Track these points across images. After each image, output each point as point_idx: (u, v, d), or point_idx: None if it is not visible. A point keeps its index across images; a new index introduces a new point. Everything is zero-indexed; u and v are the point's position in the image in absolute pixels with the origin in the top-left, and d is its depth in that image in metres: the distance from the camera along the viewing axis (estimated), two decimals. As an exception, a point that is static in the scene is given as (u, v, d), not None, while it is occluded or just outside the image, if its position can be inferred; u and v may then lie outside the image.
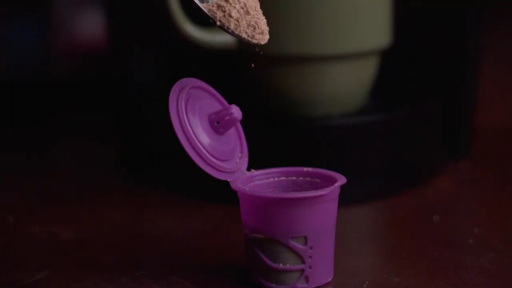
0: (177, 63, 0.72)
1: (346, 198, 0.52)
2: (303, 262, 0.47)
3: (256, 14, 0.46)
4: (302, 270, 0.47)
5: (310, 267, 0.47)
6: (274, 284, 0.47)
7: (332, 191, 0.47)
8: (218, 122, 0.48)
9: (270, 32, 0.47)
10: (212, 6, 0.46)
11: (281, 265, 0.47)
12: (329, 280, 0.48)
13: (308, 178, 0.50)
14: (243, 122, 0.49)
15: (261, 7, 0.47)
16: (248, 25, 0.46)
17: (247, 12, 0.46)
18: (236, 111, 0.48)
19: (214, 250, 0.54)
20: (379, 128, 0.63)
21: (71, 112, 0.94)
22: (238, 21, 0.45)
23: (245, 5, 0.46)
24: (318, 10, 0.60)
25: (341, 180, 0.48)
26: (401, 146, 0.64)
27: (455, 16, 0.70)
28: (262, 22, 0.46)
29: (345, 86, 0.63)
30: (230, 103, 0.50)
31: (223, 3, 0.46)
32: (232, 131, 0.50)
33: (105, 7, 0.75)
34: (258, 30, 0.46)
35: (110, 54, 0.75)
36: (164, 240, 0.56)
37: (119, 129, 0.73)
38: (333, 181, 0.48)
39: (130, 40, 0.72)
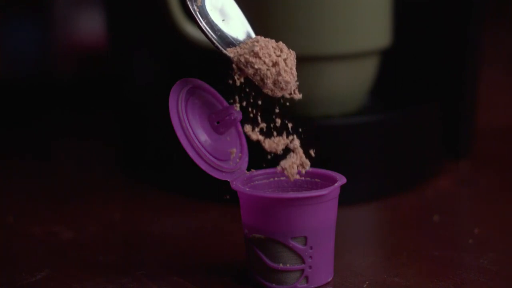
0: (177, 63, 0.71)
1: (346, 198, 0.52)
2: (303, 262, 0.47)
3: (287, 76, 0.45)
4: (302, 270, 0.47)
5: (310, 267, 0.47)
6: (274, 284, 0.47)
7: (332, 191, 0.47)
8: (218, 122, 0.48)
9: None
10: (240, 56, 0.45)
11: (281, 265, 0.46)
12: (329, 280, 0.48)
13: (308, 178, 0.50)
14: (243, 122, 0.49)
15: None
16: (275, 84, 0.45)
17: (279, 73, 0.44)
18: (236, 111, 0.48)
19: (214, 250, 0.54)
20: (379, 128, 0.62)
21: (71, 112, 0.94)
22: (263, 81, 0.44)
23: (276, 62, 0.44)
24: (318, 10, 0.60)
25: (341, 180, 0.48)
26: (401, 146, 0.64)
27: (455, 16, 0.70)
28: (293, 82, 0.45)
29: (345, 86, 0.63)
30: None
31: (252, 59, 0.44)
32: (232, 131, 0.50)
33: (105, 7, 0.75)
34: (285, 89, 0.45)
35: (110, 54, 0.75)
36: (164, 240, 0.56)
37: (119, 129, 0.73)
38: (333, 181, 0.48)
39: (130, 40, 0.72)
